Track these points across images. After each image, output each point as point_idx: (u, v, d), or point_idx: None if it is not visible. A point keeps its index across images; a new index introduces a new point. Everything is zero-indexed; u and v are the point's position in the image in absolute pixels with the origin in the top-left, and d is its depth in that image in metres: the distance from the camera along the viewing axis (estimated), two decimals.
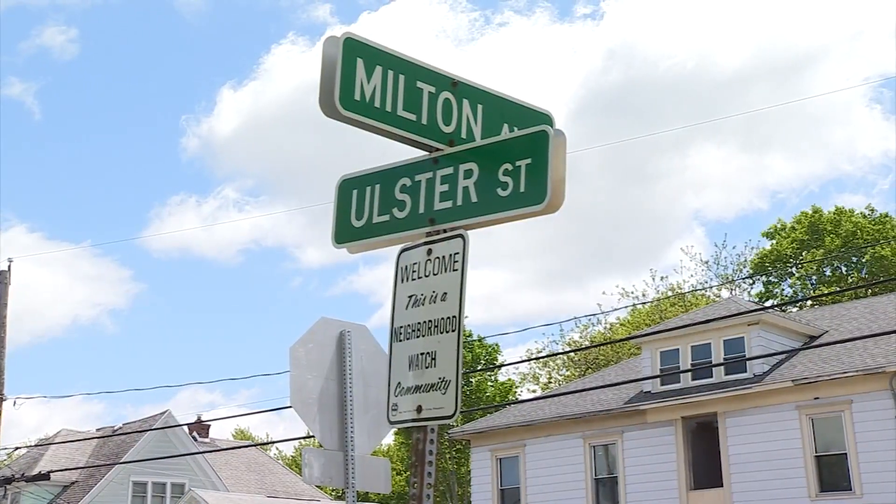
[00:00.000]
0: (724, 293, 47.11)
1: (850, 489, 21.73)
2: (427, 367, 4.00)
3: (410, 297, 4.20)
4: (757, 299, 45.70)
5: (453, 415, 3.89)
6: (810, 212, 47.21)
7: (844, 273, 45.82)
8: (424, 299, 4.12)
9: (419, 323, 4.12)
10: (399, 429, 4.42)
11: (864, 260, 45.08)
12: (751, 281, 49.39)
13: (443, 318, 4.04)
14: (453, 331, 3.99)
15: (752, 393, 23.59)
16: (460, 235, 4.12)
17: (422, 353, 4.06)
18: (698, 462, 24.77)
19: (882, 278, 40.84)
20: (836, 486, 22.02)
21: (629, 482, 25.63)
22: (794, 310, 39.77)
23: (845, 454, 22.01)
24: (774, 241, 47.72)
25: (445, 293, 4.06)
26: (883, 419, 21.49)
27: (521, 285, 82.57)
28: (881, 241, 43.77)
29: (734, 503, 23.49)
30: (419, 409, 3.99)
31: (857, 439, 21.84)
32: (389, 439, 52.63)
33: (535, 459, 27.76)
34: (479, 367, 47.99)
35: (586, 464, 26.73)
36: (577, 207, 73.34)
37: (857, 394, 22.04)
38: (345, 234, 4.54)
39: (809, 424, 22.77)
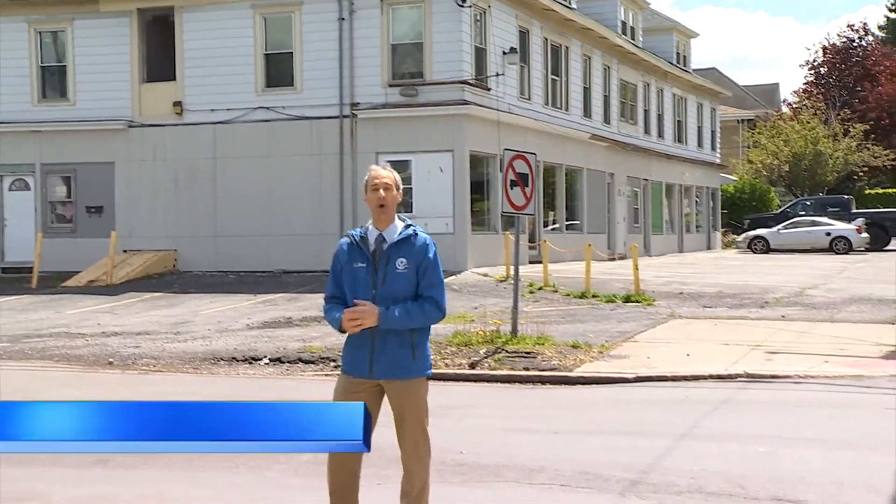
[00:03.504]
0: None
1: (293, 85, 23.40)
2: None
3: None
4: None
5: None
6: None
7: None
8: None
9: None
10: None
11: None
12: None
13: None
14: None
15: None
16: None
17: None
18: (152, 56, 24.69)
19: None
20: (280, 83, 23.55)
21: (79, 72, 24.86)
22: None
23: (291, 53, 23.40)
24: None
25: None
26: (328, 21, 23.00)
27: None
28: None
29: (186, 96, 24.10)
30: None
31: (304, 39, 23.24)
32: None
33: None
34: None
35: (31, 51, 25.25)
36: None
37: None
38: None
39: (262, 24, 23.62)
